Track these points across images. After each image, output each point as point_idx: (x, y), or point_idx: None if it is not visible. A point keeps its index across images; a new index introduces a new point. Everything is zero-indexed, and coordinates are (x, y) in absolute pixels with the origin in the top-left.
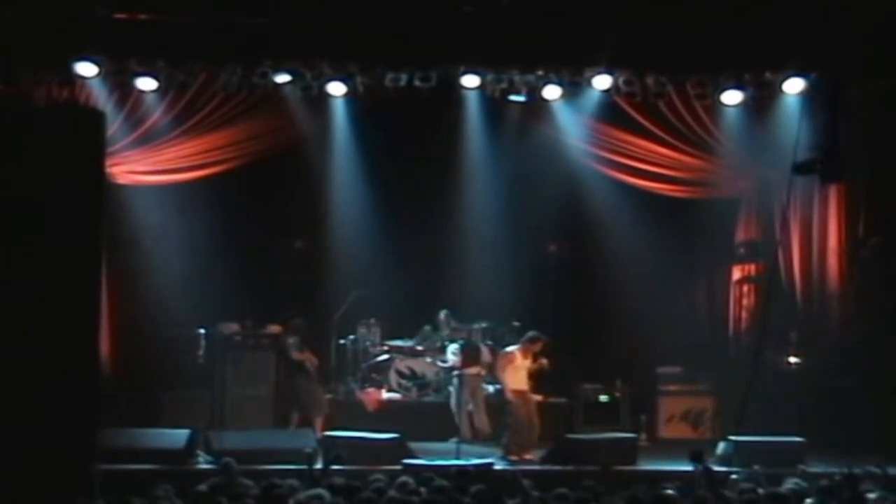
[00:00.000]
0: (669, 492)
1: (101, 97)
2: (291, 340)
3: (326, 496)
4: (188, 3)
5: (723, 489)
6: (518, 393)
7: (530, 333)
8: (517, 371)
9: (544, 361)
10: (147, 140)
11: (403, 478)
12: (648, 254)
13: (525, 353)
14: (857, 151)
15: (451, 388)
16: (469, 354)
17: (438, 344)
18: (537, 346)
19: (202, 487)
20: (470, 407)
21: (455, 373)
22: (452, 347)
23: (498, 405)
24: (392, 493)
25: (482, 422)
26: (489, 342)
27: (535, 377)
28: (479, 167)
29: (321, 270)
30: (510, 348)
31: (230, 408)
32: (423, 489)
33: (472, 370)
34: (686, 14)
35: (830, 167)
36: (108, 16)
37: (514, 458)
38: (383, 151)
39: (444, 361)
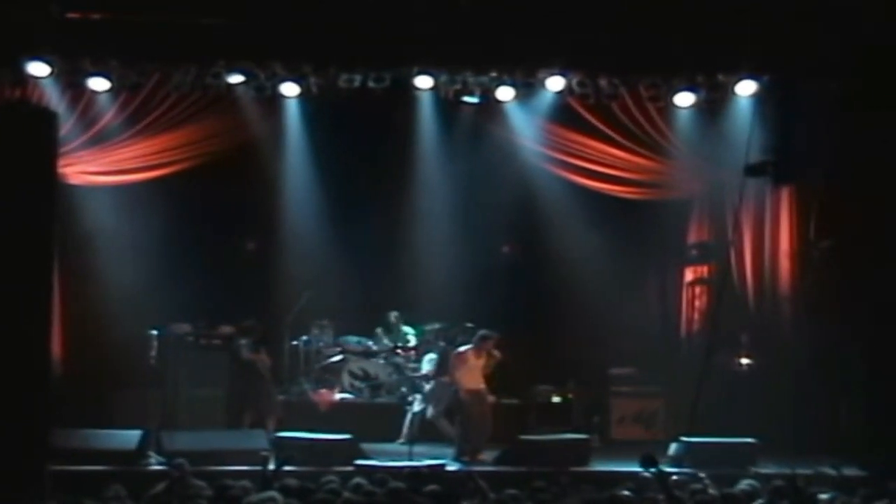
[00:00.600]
0: (625, 493)
1: (54, 97)
2: (244, 341)
3: (279, 498)
4: (141, 3)
5: (675, 490)
6: (472, 392)
7: (482, 332)
8: (471, 370)
9: (497, 353)
10: (100, 140)
11: (357, 479)
12: (601, 255)
13: (478, 352)
14: (810, 154)
15: (419, 396)
16: (444, 363)
17: (393, 345)
18: (490, 344)
19: (155, 489)
20: (433, 413)
21: (430, 381)
22: (429, 357)
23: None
24: (346, 494)
25: (444, 426)
26: (441, 343)
27: (492, 375)
28: (433, 168)
29: (274, 271)
30: (463, 348)
31: (182, 408)
32: (377, 490)
33: (447, 378)
34: (639, 16)
35: (783, 169)
36: (61, 15)
37: (466, 458)
38: (337, 152)
39: (419, 370)
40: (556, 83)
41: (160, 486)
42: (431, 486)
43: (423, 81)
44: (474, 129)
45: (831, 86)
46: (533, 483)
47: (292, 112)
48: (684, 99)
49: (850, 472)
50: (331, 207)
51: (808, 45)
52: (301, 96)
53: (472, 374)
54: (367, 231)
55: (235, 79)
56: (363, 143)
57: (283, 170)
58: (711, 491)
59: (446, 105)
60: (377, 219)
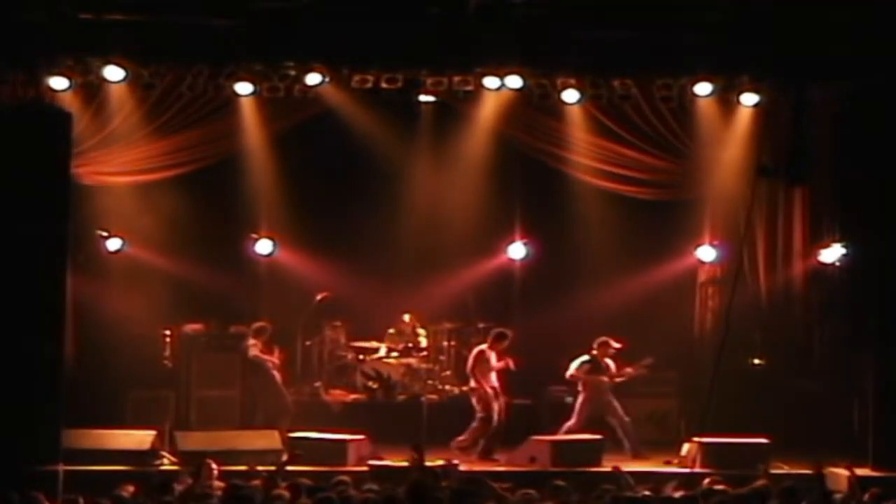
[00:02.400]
0: (645, 492)
1: (67, 97)
2: (254, 342)
3: (286, 496)
4: (153, 4)
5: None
6: (493, 390)
7: (497, 330)
8: (489, 369)
9: (510, 363)
10: (113, 141)
11: (369, 478)
12: (613, 255)
13: (491, 349)
14: (822, 154)
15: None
16: (592, 368)
17: (409, 344)
18: (505, 343)
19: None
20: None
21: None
22: (576, 362)
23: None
24: (358, 494)
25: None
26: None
27: (502, 375)
28: (444, 167)
29: (287, 271)
30: (482, 346)
31: (196, 408)
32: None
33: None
34: (652, 17)
35: (795, 169)
36: (74, 16)
37: (484, 457)
38: (349, 152)
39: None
40: (568, 84)
41: (180, 487)
42: (446, 486)
43: (436, 82)
44: (486, 129)
45: (844, 86)
46: (552, 482)
47: (305, 112)
48: (697, 99)
49: (862, 471)
50: (344, 207)
51: (821, 45)
52: (313, 96)
53: (489, 373)
54: (379, 230)
55: (248, 79)
56: (375, 141)
57: (296, 169)
58: (719, 486)
59: (457, 105)
60: (389, 218)
